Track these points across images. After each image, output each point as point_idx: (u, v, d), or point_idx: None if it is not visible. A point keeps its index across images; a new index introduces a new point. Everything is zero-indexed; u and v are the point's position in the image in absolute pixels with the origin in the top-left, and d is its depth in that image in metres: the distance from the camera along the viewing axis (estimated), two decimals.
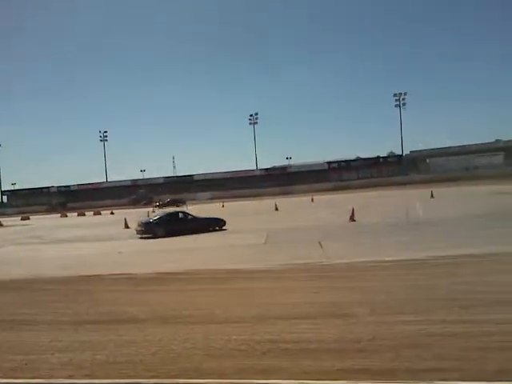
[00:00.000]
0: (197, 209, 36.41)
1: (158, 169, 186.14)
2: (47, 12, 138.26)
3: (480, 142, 78.41)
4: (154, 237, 20.59)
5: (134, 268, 12.13)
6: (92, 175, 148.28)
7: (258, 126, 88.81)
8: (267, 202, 41.22)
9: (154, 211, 40.16)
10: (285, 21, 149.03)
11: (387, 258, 11.08)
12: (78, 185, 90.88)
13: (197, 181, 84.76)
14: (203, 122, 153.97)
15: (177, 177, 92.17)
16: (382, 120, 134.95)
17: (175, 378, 4.60)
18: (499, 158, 71.39)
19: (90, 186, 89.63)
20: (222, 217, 23.28)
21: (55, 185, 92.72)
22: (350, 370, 4.59)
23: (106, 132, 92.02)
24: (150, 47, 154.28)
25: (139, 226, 21.63)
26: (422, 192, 37.44)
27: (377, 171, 77.35)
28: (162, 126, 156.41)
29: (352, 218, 21.31)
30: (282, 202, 41.41)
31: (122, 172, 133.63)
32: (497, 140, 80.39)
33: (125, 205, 66.77)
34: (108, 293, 9.34)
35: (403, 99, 79.69)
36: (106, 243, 19.93)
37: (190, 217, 22.50)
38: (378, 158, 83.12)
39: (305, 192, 60.38)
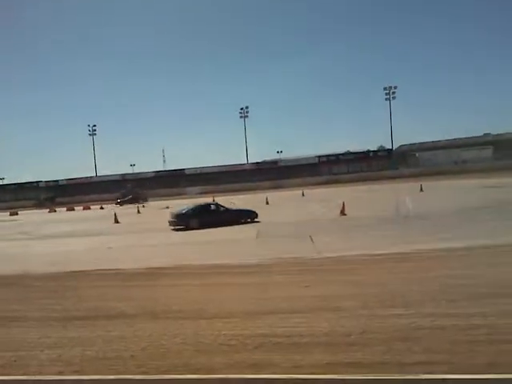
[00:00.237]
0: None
1: (148, 163, 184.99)
2: (31, 3, 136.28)
3: (469, 136, 79.04)
4: (187, 228, 20.64)
5: (123, 263, 12.07)
6: (81, 170, 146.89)
7: (249, 120, 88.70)
8: (258, 196, 41.20)
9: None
10: (274, 15, 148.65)
11: (378, 252, 11.14)
12: (67, 179, 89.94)
13: (187, 175, 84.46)
14: (194, 115, 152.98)
15: (167, 171, 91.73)
16: (372, 114, 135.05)
17: (166, 374, 4.56)
18: (488, 152, 71.99)
19: (79, 181, 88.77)
20: (172, 215, 23.04)
21: (44, 179, 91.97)
22: (341, 363, 4.60)
23: (94, 126, 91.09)
24: (140, 39, 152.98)
25: (172, 217, 21.64)
26: (412, 186, 37.64)
27: (367, 165, 77.69)
28: (152, 120, 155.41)
29: (342, 212, 21.38)
30: (273, 195, 41.46)
31: (112, 166, 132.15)
32: (485, 134, 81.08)
33: (114, 199, 66.45)
34: (95, 288, 9.29)
35: (393, 93, 79.81)
36: (95, 238, 19.79)
37: (222, 209, 22.37)
38: (368, 152, 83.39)
39: (296, 186, 60.45)
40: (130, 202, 52.62)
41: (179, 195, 66.25)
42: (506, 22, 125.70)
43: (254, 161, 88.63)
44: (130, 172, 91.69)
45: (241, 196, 46.62)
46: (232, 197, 40.74)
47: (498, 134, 77.32)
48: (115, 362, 5.04)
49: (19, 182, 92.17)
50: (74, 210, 51.90)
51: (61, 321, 6.88)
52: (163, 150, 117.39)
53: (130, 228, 23.76)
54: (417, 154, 78.56)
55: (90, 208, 51.39)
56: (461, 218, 16.78)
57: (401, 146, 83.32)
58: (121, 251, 15.27)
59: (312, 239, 14.17)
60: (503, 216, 16.29)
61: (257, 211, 22.21)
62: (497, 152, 71.14)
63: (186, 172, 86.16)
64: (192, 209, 22.32)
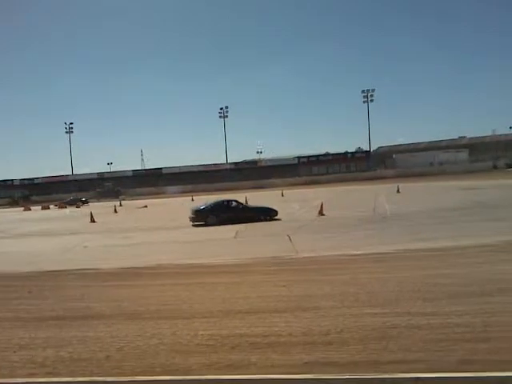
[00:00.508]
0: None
1: (125, 162, 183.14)
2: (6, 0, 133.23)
3: (445, 139, 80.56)
4: (206, 224, 20.51)
5: (100, 263, 11.89)
6: (57, 168, 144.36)
7: (229, 121, 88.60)
8: (238, 196, 41.06)
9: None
10: (258, 16, 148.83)
11: (356, 252, 11.24)
12: (42, 178, 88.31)
13: (165, 174, 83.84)
14: (172, 115, 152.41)
15: (145, 170, 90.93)
16: (352, 116, 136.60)
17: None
18: (464, 155, 73.50)
19: (55, 179, 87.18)
20: (192, 211, 22.98)
21: (18, 178, 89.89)
22: (318, 362, 4.61)
23: (71, 124, 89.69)
24: (117, 36, 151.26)
25: (191, 213, 21.53)
26: (389, 187, 38.13)
27: (345, 166, 78.53)
28: (130, 119, 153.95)
29: (321, 213, 21.53)
30: (253, 196, 41.38)
31: (89, 165, 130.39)
32: (461, 137, 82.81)
33: (91, 198, 65.49)
34: (71, 288, 9.12)
35: (371, 96, 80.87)
36: (71, 237, 19.44)
37: (241, 206, 22.23)
38: (347, 153, 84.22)
39: (275, 186, 60.60)
40: (70, 203, 52.26)
41: (158, 194, 65.72)
42: (483, 23, 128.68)
43: (234, 161, 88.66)
44: (108, 171, 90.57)
45: (222, 196, 46.46)
46: (211, 196, 40.55)
47: (473, 137, 79.08)
48: (90, 362, 4.95)
49: None
50: (49, 208, 50.92)
51: (35, 321, 6.74)
52: (141, 150, 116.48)
53: (106, 227, 23.45)
54: (394, 156, 79.68)
55: (65, 207, 50.55)
56: (437, 219, 17.04)
57: (379, 147, 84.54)
58: (97, 250, 15.04)
59: (290, 239, 14.22)
60: (478, 217, 16.66)
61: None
62: (472, 154, 72.75)
63: (164, 171, 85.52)
64: (211, 205, 22.22)
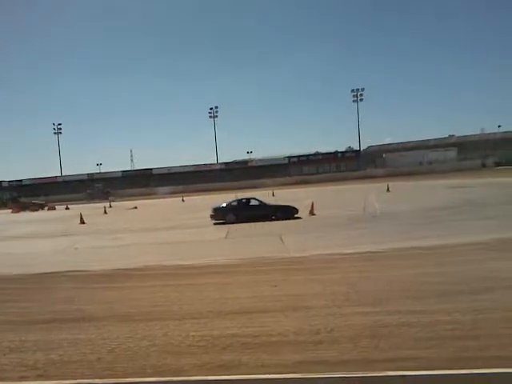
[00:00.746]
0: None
1: (115, 163, 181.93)
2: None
3: (434, 138, 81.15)
4: (225, 222, 20.47)
5: (91, 264, 11.82)
6: (46, 169, 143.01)
7: (219, 120, 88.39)
8: (229, 196, 41.03)
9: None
10: (246, 17, 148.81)
11: (346, 251, 11.29)
12: (31, 179, 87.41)
13: (155, 175, 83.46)
14: (163, 115, 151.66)
15: (135, 170, 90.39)
16: (342, 115, 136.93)
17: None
18: (452, 153, 74.04)
19: (44, 181, 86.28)
20: (180, 211, 22.95)
21: (7, 179, 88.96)
22: (309, 362, 4.64)
23: (60, 124, 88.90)
24: (106, 36, 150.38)
25: (212, 211, 21.49)
26: (379, 186, 38.29)
27: (335, 166, 78.75)
28: (119, 119, 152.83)
29: (312, 212, 21.60)
30: (244, 196, 41.33)
31: (78, 166, 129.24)
32: (450, 135, 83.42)
33: (81, 199, 65.01)
34: (62, 291, 9.07)
35: (361, 95, 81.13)
36: (61, 239, 19.29)
37: (261, 204, 22.01)
38: (336, 152, 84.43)
39: (266, 186, 60.57)
40: (27, 206, 51.35)
41: (149, 195, 65.41)
42: (470, 21, 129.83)
43: (224, 161, 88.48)
44: (97, 172, 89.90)
45: (213, 196, 46.37)
46: (203, 197, 40.49)
47: (461, 136, 79.76)
48: (81, 365, 4.93)
49: None
50: (38, 210, 50.40)
51: (25, 324, 6.69)
52: (131, 151, 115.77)
53: (96, 228, 23.30)
54: (384, 155, 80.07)
55: (55, 208, 50.08)
56: (427, 218, 17.18)
57: (369, 147, 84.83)
58: (87, 252, 14.95)
59: (281, 239, 14.25)
60: (467, 215, 16.84)
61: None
62: (461, 153, 73.31)
63: (154, 172, 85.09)
64: (231, 203, 22.26)
